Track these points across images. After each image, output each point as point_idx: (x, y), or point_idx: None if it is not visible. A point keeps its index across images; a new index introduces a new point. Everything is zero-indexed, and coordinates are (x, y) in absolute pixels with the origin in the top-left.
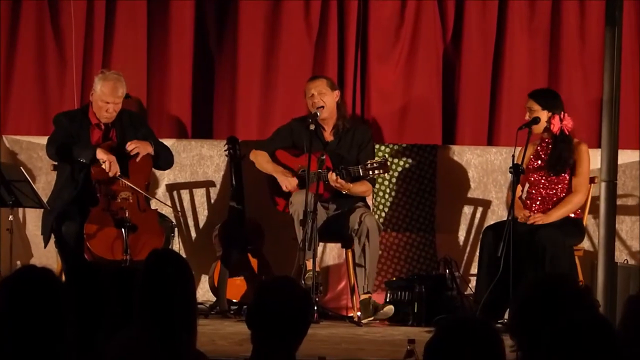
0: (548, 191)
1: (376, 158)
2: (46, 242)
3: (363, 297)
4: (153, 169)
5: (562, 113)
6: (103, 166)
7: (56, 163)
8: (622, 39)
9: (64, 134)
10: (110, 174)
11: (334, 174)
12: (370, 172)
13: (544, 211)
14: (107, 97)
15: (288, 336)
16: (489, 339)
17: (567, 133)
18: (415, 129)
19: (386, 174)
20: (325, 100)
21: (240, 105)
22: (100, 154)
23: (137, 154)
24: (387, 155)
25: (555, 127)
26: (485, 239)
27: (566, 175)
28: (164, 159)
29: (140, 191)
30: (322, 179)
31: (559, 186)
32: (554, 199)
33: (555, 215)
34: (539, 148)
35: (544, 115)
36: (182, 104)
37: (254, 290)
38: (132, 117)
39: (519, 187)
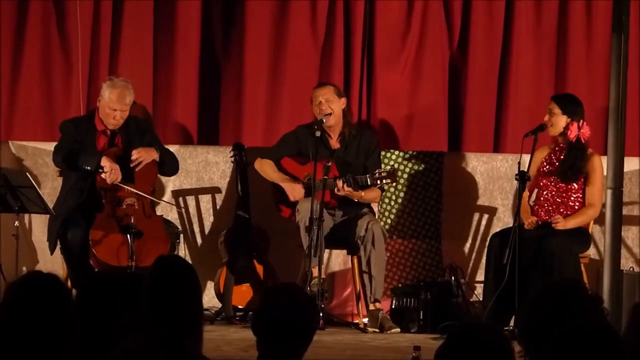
0: (556, 198)
1: (385, 167)
2: (52, 248)
3: (372, 307)
4: (158, 175)
5: (581, 121)
6: (103, 175)
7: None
8: (629, 45)
9: (71, 141)
10: (108, 181)
11: (340, 182)
12: (379, 181)
13: (551, 217)
14: (114, 104)
15: (293, 342)
16: (501, 346)
17: (583, 142)
18: (421, 136)
19: (394, 183)
20: (332, 107)
21: (246, 112)
22: (104, 162)
23: (141, 162)
24: (392, 162)
25: (572, 134)
26: (492, 246)
27: (575, 184)
28: (169, 165)
29: (145, 195)
30: (328, 186)
31: (568, 194)
32: (561, 208)
33: (573, 222)
34: (551, 152)
35: (562, 119)
36: (188, 110)
37: (259, 297)
38: (138, 123)
39: (527, 193)
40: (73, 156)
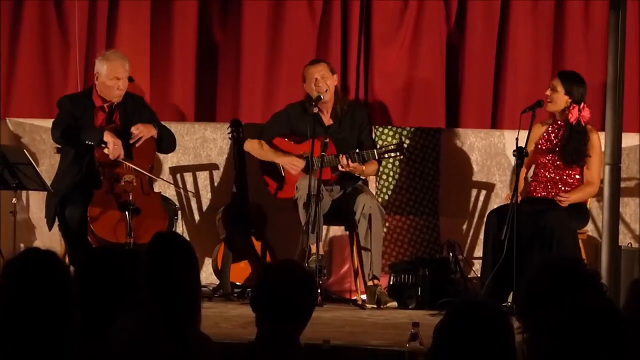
0: (554, 176)
1: (393, 140)
2: (50, 225)
3: (370, 283)
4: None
5: (582, 104)
6: (105, 150)
7: (60, 146)
8: (626, 22)
9: (69, 116)
10: (111, 157)
11: (344, 158)
12: (386, 155)
13: (547, 194)
14: (118, 73)
15: (292, 319)
16: (500, 322)
17: (583, 124)
18: (419, 112)
19: (401, 157)
20: (328, 83)
21: (243, 88)
22: (107, 137)
23: (141, 138)
24: (390, 139)
25: (573, 117)
26: (490, 222)
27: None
28: (166, 142)
29: (146, 173)
30: (327, 163)
31: (566, 171)
32: (559, 184)
33: (574, 197)
34: (550, 129)
35: (563, 99)
36: (185, 86)
37: (258, 273)
38: (135, 99)
39: (524, 169)
40: (73, 131)
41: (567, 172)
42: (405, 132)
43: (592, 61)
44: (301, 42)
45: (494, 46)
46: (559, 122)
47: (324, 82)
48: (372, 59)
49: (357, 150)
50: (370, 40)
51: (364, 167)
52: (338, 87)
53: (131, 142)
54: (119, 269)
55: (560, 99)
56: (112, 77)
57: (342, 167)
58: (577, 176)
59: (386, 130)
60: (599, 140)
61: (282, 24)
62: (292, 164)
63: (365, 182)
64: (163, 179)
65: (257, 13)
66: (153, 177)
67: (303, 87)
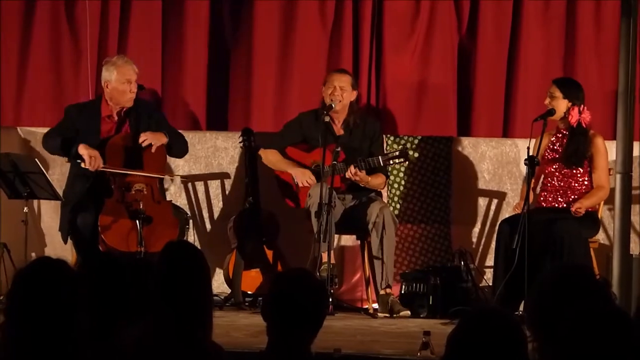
0: (562, 184)
1: (395, 147)
2: (65, 237)
3: (383, 292)
4: (167, 163)
5: (582, 106)
6: (83, 165)
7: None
8: (638, 29)
9: (66, 127)
10: (91, 169)
11: (352, 167)
12: (391, 162)
13: (558, 203)
14: (129, 75)
15: (303, 328)
16: (513, 331)
17: (585, 126)
18: (431, 121)
19: (406, 162)
20: (344, 96)
21: (255, 97)
22: (82, 150)
23: (151, 145)
24: (396, 146)
25: (574, 118)
26: (501, 231)
27: (580, 169)
28: (177, 147)
29: (153, 175)
30: (338, 171)
31: (574, 179)
32: (568, 192)
33: (587, 204)
34: (554, 139)
35: (563, 104)
36: (197, 95)
37: (269, 282)
38: (144, 104)
39: (534, 180)
40: (56, 144)
41: (575, 178)
42: (416, 141)
43: (604, 69)
44: (313, 50)
45: (505, 54)
46: (563, 131)
47: (340, 93)
48: (384, 66)
49: (361, 158)
50: (381, 47)
51: (369, 178)
52: (355, 103)
53: (142, 145)
54: (131, 278)
55: (560, 104)
56: (123, 80)
57: (352, 177)
58: (586, 182)
59: (397, 139)
60: (604, 144)
61: (294, 32)
62: (302, 177)
63: (379, 194)
64: (169, 176)
65: (268, 21)
66: (155, 175)
67: (322, 90)
